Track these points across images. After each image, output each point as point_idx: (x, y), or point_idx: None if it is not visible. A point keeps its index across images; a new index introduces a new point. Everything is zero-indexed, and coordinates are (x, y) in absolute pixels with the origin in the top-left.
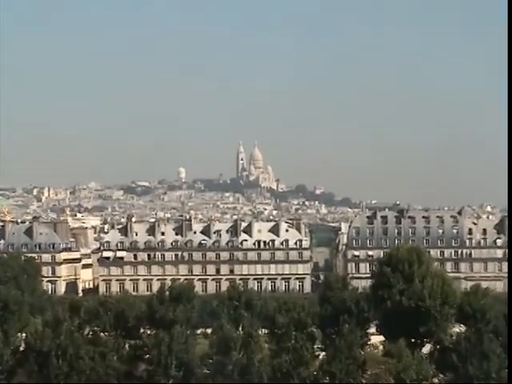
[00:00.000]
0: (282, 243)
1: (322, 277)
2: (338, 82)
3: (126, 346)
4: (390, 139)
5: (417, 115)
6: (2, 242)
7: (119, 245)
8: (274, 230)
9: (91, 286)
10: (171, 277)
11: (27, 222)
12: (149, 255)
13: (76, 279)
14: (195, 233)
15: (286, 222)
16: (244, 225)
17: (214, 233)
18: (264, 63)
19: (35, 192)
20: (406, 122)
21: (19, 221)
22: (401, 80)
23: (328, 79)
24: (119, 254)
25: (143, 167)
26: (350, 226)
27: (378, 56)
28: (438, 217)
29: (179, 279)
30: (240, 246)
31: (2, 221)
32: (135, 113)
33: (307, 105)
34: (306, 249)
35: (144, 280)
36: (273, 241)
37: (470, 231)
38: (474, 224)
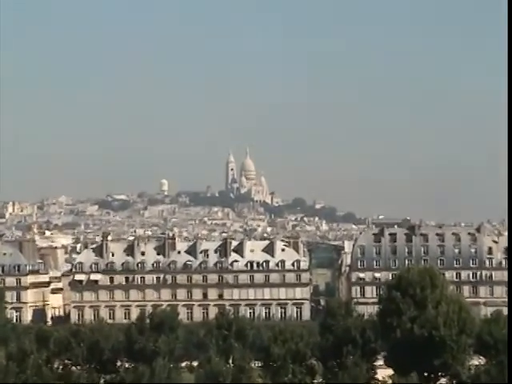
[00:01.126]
0: (277, 264)
1: (322, 302)
2: (342, 87)
3: (101, 381)
4: (399, 149)
5: (429, 122)
6: None
7: (93, 266)
8: (269, 250)
9: (61, 313)
10: (152, 303)
11: None
12: (127, 278)
13: (44, 306)
14: (179, 253)
15: (282, 241)
16: (234, 244)
17: (201, 253)
18: (256, 65)
19: None
20: (417, 129)
21: None
22: (411, 85)
23: (331, 83)
24: (93, 276)
25: (120, 179)
26: (354, 245)
27: (384, 62)
28: (453, 234)
29: (161, 305)
30: (230, 267)
31: None
32: (111, 118)
33: (306, 110)
34: (304, 270)
35: (121, 306)
36: (267, 262)
37: (490, 250)
38: (495, 242)
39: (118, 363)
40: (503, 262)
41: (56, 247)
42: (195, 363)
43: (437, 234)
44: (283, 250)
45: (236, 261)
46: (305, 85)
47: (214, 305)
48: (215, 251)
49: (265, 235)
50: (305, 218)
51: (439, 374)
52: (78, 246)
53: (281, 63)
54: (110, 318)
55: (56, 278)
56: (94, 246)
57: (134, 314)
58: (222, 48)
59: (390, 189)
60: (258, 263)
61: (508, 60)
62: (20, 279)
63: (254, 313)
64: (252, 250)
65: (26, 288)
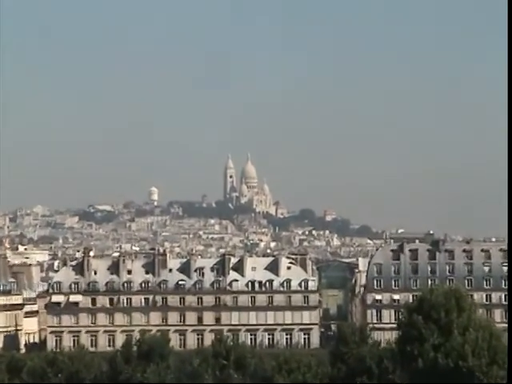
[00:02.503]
0: (282, 284)
1: (333, 327)
2: (358, 87)
3: None
4: (421, 156)
5: (455, 129)
6: None
7: (73, 286)
8: (273, 268)
9: (36, 339)
10: (140, 328)
11: None
12: (111, 300)
13: (17, 331)
14: (171, 271)
15: (288, 258)
16: (234, 261)
17: (196, 271)
18: (258, 64)
19: None
20: (442, 135)
21: None
22: (435, 87)
23: (342, 81)
24: (73, 298)
25: (104, 186)
26: (369, 263)
27: (397, 61)
28: (482, 250)
29: (150, 331)
30: (228, 287)
31: None
32: (95, 122)
33: (316, 110)
34: (313, 291)
35: (105, 332)
36: (270, 281)
37: None
38: None
39: None
40: None
41: (30, 264)
42: None
43: (464, 251)
44: (289, 268)
45: (235, 280)
46: (316, 83)
47: (211, 330)
48: (212, 269)
49: (268, 251)
50: (314, 232)
51: None
52: (56, 263)
53: (283, 64)
54: (91, 345)
55: (30, 299)
56: (73, 263)
57: (120, 340)
58: (221, 46)
59: (411, 199)
60: (260, 283)
61: (508, 63)
62: None
63: (255, 339)
64: (253, 268)
65: None
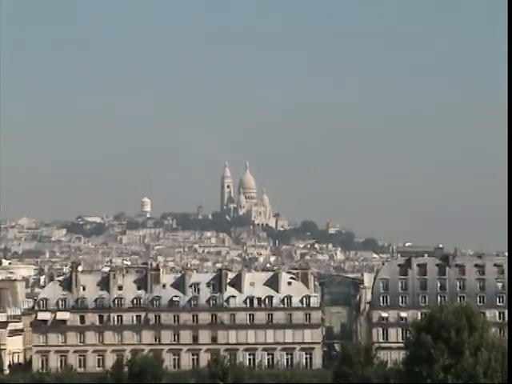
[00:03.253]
0: (282, 301)
1: (337, 347)
2: (363, 94)
3: None
4: (430, 166)
5: (467, 139)
6: None
7: (60, 303)
8: (272, 283)
9: (21, 359)
10: (131, 347)
11: None
12: (101, 317)
13: (0, 351)
14: (164, 287)
15: (289, 273)
16: (231, 276)
17: (191, 287)
18: (257, 68)
19: None
20: (452, 141)
21: None
22: (445, 95)
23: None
24: (60, 315)
25: (93, 197)
26: (375, 278)
27: (405, 75)
28: (495, 265)
29: (142, 350)
30: (226, 304)
31: None
32: (84, 127)
33: (316, 117)
34: (315, 309)
35: (94, 351)
36: (270, 298)
37: None
38: None
39: None
40: None
41: (15, 280)
42: None
43: (476, 266)
44: (290, 283)
45: (233, 297)
46: (317, 89)
47: (206, 350)
48: (208, 285)
49: (268, 266)
50: (316, 245)
51: None
52: (42, 278)
53: (283, 68)
54: (80, 366)
55: (15, 317)
56: (61, 278)
57: (110, 360)
58: (218, 48)
59: (419, 211)
60: (259, 300)
61: (508, 64)
62: None
63: (254, 359)
64: (252, 284)
65: None
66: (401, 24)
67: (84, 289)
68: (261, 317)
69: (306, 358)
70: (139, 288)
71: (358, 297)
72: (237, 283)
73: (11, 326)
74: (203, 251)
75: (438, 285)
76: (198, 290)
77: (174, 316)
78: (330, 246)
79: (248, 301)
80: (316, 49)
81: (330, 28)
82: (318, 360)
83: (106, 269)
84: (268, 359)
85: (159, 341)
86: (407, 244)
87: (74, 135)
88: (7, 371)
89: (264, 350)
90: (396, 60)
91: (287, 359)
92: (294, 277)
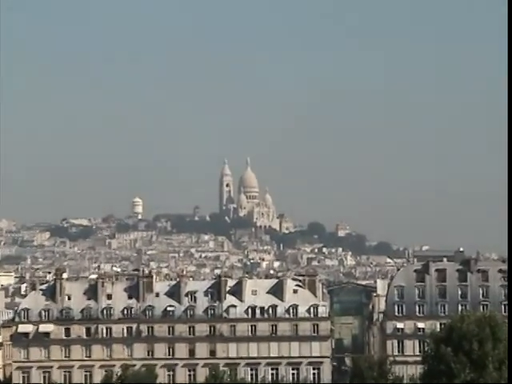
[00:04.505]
0: (287, 310)
1: (348, 361)
2: (373, 85)
3: None
4: (449, 161)
5: (489, 134)
6: None
7: (43, 314)
8: (277, 291)
9: (0, 376)
10: (122, 362)
11: None
12: (88, 329)
13: None
14: (158, 295)
15: (295, 279)
16: (231, 283)
17: (187, 295)
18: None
19: None
20: (473, 136)
21: None
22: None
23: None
24: (43, 327)
25: (80, 197)
26: (389, 285)
27: (406, 75)
28: None
29: (134, 365)
30: (225, 314)
31: None
32: (70, 120)
33: (326, 107)
34: (324, 319)
35: (81, 367)
36: (274, 307)
37: None
38: None
39: None
40: None
41: None
42: None
43: (500, 271)
44: (295, 291)
45: (233, 306)
46: (323, 83)
47: (204, 364)
48: (205, 293)
49: (271, 272)
50: (324, 250)
51: None
52: (23, 286)
53: (287, 62)
54: (65, 382)
55: None
56: (44, 286)
57: (98, 376)
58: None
59: (437, 212)
60: (261, 309)
61: (508, 65)
62: None
63: (256, 375)
64: (254, 292)
65: None
66: (401, 24)
67: (69, 298)
68: (264, 328)
69: (314, 374)
70: (130, 297)
71: (370, 306)
72: (237, 291)
73: None
74: (200, 256)
75: (459, 292)
76: (195, 298)
77: (169, 327)
78: (340, 250)
79: (250, 311)
80: (319, 37)
81: (330, 27)
82: (326, 375)
83: (94, 276)
84: (272, 375)
85: (152, 355)
86: (424, 248)
87: (58, 132)
88: None
89: (267, 364)
90: (397, 60)
91: (293, 375)
92: (300, 284)
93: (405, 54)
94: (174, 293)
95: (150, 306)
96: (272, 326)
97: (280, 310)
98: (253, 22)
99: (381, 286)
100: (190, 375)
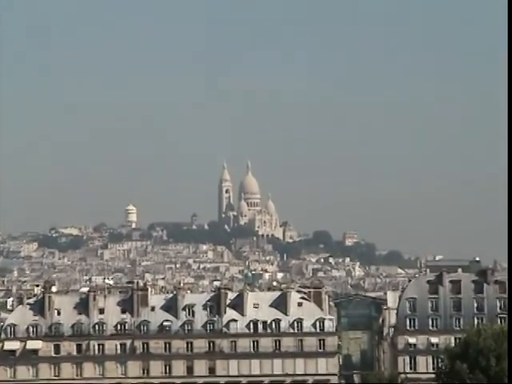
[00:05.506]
0: (292, 325)
1: (356, 379)
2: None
3: None
4: (463, 165)
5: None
6: None
7: (31, 330)
8: (280, 305)
9: None
10: (115, 380)
11: None
12: (79, 346)
13: None
14: (153, 309)
15: (299, 292)
16: (232, 296)
17: (184, 309)
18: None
19: None
20: (490, 141)
21: None
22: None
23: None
24: (31, 344)
25: (70, 205)
26: (400, 297)
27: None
28: None
29: None
30: (225, 330)
31: None
32: (60, 127)
33: (331, 109)
34: (330, 334)
35: None
36: (277, 321)
37: None
38: None
39: None
40: None
41: None
42: None
43: None
44: (300, 304)
45: (233, 320)
46: (325, 83)
47: (203, 383)
48: (204, 307)
49: (274, 284)
50: (331, 260)
51: None
52: (10, 300)
53: (292, 61)
54: None
55: None
56: (31, 300)
57: None
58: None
59: (451, 219)
60: (264, 323)
61: (508, 66)
62: None
63: None
64: (256, 305)
65: None
66: (402, 23)
67: (59, 313)
68: (266, 344)
69: None
70: (124, 311)
71: (380, 320)
72: (238, 305)
73: None
74: (198, 267)
75: (475, 305)
76: (193, 313)
77: (165, 344)
78: (348, 260)
79: (251, 325)
80: (321, 39)
81: (331, 26)
82: None
83: (85, 289)
84: None
85: (147, 373)
86: (438, 257)
87: (45, 138)
88: None
89: (271, 382)
90: (399, 59)
91: None
92: (305, 297)
93: (405, 53)
94: (170, 306)
95: (144, 320)
96: (275, 341)
97: (284, 325)
98: (254, 19)
99: (391, 298)
100: None
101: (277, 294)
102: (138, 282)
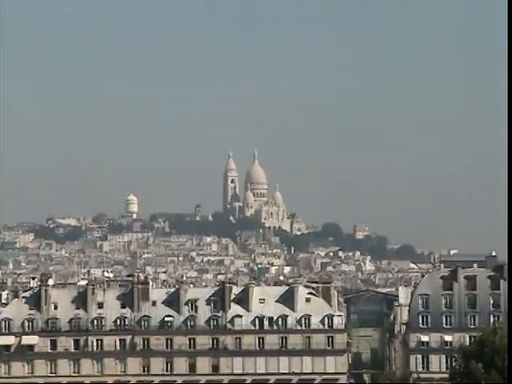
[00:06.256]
0: (299, 321)
1: (366, 378)
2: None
3: None
4: (480, 156)
5: None
6: None
7: (27, 325)
8: (287, 300)
9: None
10: (114, 378)
11: None
12: (76, 342)
13: None
14: (155, 304)
15: (307, 287)
16: (236, 291)
17: (187, 304)
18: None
19: None
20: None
21: None
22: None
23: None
24: (27, 340)
25: (67, 195)
26: (413, 293)
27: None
28: None
29: (128, 382)
30: (230, 326)
31: None
32: (56, 111)
33: (341, 95)
34: (339, 331)
35: None
36: (284, 317)
37: None
38: None
39: None
40: None
41: None
42: None
43: None
44: (308, 300)
45: (238, 316)
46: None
47: (206, 381)
48: (208, 302)
49: (281, 278)
50: (340, 253)
51: None
52: (4, 294)
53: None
54: None
55: None
56: (27, 294)
57: None
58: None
59: (466, 212)
60: (270, 320)
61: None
62: None
63: None
64: (262, 301)
65: None
66: (403, 23)
67: (56, 307)
68: (273, 341)
69: None
70: (123, 306)
71: (391, 317)
72: (243, 300)
73: None
74: (202, 260)
75: (491, 301)
76: (196, 308)
77: (167, 340)
78: (358, 254)
79: (257, 321)
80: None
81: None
82: None
83: (83, 282)
84: None
85: (148, 370)
86: (452, 252)
87: (44, 128)
88: None
89: (277, 381)
90: (401, 59)
91: None
92: (313, 292)
93: (406, 53)
94: (172, 301)
95: (145, 315)
96: (282, 338)
97: (291, 321)
98: (259, 10)
99: (403, 294)
100: None
101: (284, 288)
102: (138, 276)
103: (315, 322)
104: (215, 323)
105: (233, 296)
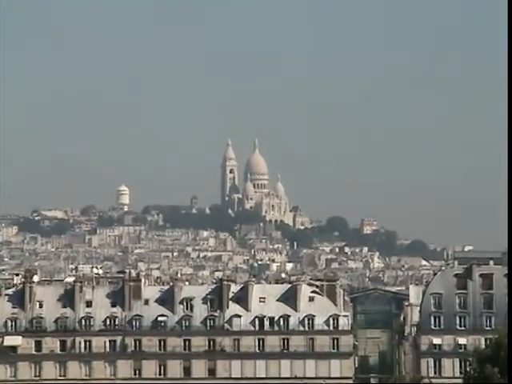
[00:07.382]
0: (302, 322)
1: (374, 383)
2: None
3: None
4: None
5: None
6: None
7: (9, 324)
8: (289, 299)
9: None
10: (104, 382)
11: None
12: (63, 343)
13: None
14: (147, 303)
15: (311, 285)
16: (235, 288)
17: (182, 303)
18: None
19: None
20: None
21: None
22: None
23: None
24: (9, 340)
25: (54, 185)
26: (424, 293)
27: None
28: None
29: None
30: (227, 326)
31: None
32: (42, 99)
33: (344, 84)
34: (345, 332)
35: None
36: (286, 317)
37: None
38: None
39: None
40: None
41: None
42: None
43: None
44: (312, 299)
45: (237, 316)
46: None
47: None
48: (204, 301)
49: (283, 275)
50: (346, 249)
51: None
52: None
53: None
54: None
55: None
56: (10, 291)
57: None
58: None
59: (482, 206)
60: (271, 320)
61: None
62: None
63: None
64: (262, 300)
65: None
66: (404, 23)
67: (41, 305)
68: (273, 343)
69: None
70: (114, 304)
71: (401, 317)
72: (242, 298)
73: None
74: (198, 256)
75: (508, 301)
76: (192, 307)
77: (160, 341)
78: (365, 250)
79: (257, 322)
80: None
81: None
82: None
83: (71, 279)
84: None
85: (139, 374)
86: (467, 248)
87: (28, 114)
88: None
89: None
90: (401, 60)
91: None
92: (317, 290)
93: (406, 53)
94: (166, 300)
95: (137, 315)
96: (283, 340)
97: (293, 322)
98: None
99: (414, 293)
100: None
101: (285, 286)
102: (130, 272)
103: (319, 323)
104: (212, 323)
105: (231, 294)
